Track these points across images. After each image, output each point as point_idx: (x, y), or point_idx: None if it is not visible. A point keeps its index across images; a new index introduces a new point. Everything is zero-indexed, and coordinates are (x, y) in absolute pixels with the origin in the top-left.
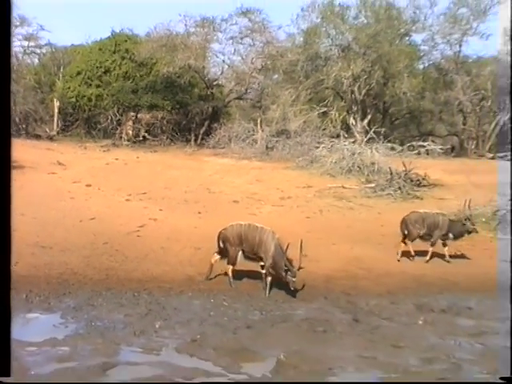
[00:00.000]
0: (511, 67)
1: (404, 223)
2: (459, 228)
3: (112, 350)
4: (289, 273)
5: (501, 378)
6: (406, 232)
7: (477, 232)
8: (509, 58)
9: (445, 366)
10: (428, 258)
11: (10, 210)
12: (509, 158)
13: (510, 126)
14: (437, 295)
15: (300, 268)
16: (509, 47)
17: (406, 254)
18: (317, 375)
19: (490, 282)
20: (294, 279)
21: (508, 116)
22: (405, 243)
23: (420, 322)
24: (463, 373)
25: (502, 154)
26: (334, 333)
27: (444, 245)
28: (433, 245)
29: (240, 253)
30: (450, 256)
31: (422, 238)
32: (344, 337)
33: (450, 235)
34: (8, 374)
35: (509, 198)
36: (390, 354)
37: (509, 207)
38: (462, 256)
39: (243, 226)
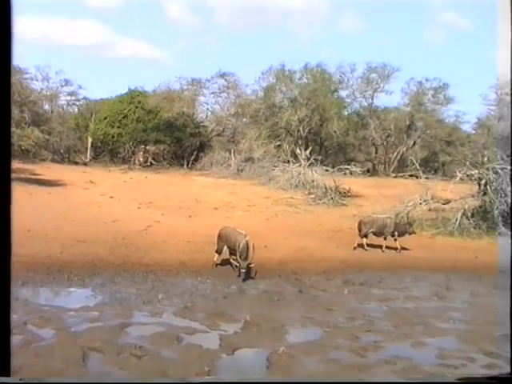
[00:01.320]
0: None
1: (359, 224)
2: (403, 229)
3: (128, 314)
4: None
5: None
6: (359, 230)
7: (415, 233)
8: (408, 109)
9: (362, 322)
10: (383, 248)
11: (9, 207)
12: (406, 176)
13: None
14: (357, 273)
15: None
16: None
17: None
18: (273, 330)
19: (394, 263)
20: (243, 270)
21: (405, 148)
22: (362, 238)
23: (345, 292)
24: (375, 326)
25: (401, 174)
26: (285, 301)
27: (395, 240)
28: (385, 239)
29: (225, 247)
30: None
31: (375, 234)
32: (292, 303)
33: (396, 233)
34: (8, 374)
35: (406, 205)
36: (325, 315)
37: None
38: (403, 248)
39: (229, 228)
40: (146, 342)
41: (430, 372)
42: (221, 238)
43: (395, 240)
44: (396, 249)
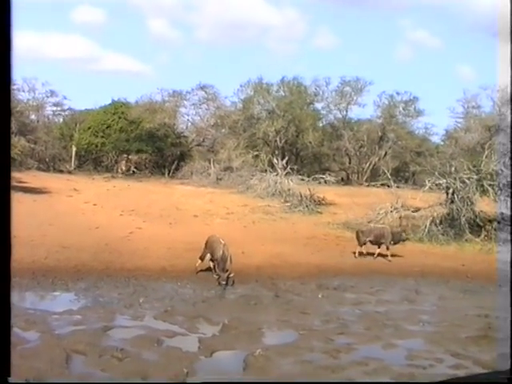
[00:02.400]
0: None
1: (357, 233)
2: (397, 237)
3: (110, 317)
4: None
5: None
6: (358, 239)
7: (408, 239)
8: (380, 121)
9: (336, 325)
10: (376, 255)
11: (9, 210)
12: (378, 185)
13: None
14: (331, 278)
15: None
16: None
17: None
18: (250, 333)
19: (364, 268)
20: (223, 282)
21: (377, 158)
22: (361, 246)
23: (320, 296)
24: (348, 329)
25: (373, 183)
26: (261, 305)
27: (387, 248)
28: (379, 247)
29: (208, 255)
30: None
31: (372, 243)
32: (268, 307)
33: (391, 242)
34: (8, 374)
35: (378, 213)
36: (300, 318)
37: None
38: (394, 255)
39: (214, 237)
40: (127, 345)
41: (400, 372)
42: (206, 245)
43: (387, 248)
44: (386, 256)
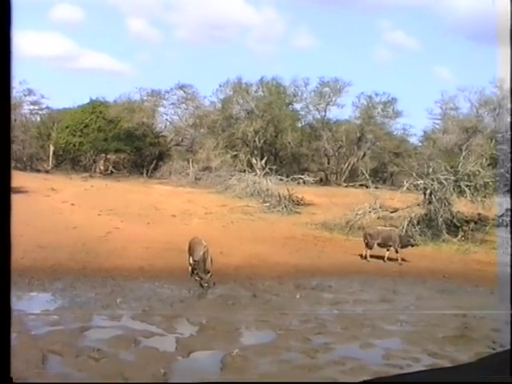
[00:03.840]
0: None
1: (365, 235)
2: (405, 241)
3: (87, 317)
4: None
5: None
6: (366, 241)
7: (417, 245)
8: (358, 122)
9: (313, 325)
10: (385, 258)
11: (10, 210)
12: (357, 185)
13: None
14: (309, 278)
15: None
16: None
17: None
18: (228, 333)
19: (343, 268)
20: (205, 284)
21: (355, 159)
22: (370, 249)
23: (298, 296)
24: (326, 328)
25: (351, 184)
26: (239, 305)
27: (396, 251)
28: (387, 250)
29: (191, 257)
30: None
31: (379, 245)
32: (247, 307)
33: (399, 245)
34: (8, 374)
35: (356, 213)
36: (278, 318)
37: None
38: (403, 260)
39: (196, 239)
40: (104, 345)
41: (377, 372)
42: (189, 248)
43: (396, 251)
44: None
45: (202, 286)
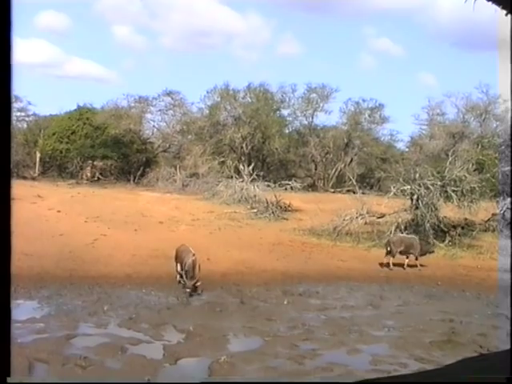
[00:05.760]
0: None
1: (388, 243)
2: (425, 248)
3: (73, 325)
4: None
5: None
6: (388, 249)
7: (433, 252)
8: (345, 127)
9: (301, 331)
10: (405, 265)
11: (10, 214)
12: (344, 191)
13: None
14: (296, 284)
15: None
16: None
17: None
18: (215, 340)
19: (330, 274)
20: (188, 289)
21: (343, 165)
22: (387, 255)
23: (285, 303)
24: (313, 335)
25: (339, 189)
26: (227, 311)
27: (416, 258)
28: (407, 258)
29: (178, 265)
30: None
31: (401, 253)
32: (234, 314)
33: (419, 253)
34: (8, 374)
35: (343, 219)
36: (265, 325)
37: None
38: (421, 265)
39: (183, 246)
40: (90, 353)
41: (364, 377)
42: (176, 256)
43: (416, 258)
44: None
45: (190, 294)
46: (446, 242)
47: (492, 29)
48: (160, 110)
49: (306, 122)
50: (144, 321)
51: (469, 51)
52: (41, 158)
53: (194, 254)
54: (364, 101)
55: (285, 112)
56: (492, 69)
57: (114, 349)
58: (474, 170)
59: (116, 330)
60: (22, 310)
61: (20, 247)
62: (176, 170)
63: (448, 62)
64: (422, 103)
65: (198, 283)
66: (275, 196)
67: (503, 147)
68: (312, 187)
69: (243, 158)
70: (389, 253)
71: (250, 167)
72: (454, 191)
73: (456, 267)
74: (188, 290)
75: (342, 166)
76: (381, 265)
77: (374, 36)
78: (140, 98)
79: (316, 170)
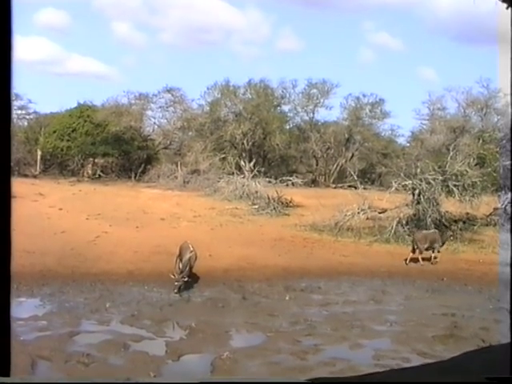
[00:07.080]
0: None
1: (415, 240)
2: (443, 239)
3: (76, 322)
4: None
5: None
6: (415, 246)
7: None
8: (346, 123)
9: (303, 326)
10: (432, 258)
11: (10, 213)
12: (345, 186)
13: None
14: (298, 279)
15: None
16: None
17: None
18: (217, 336)
19: (332, 269)
20: (176, 283)
21: (344, 160)
22: (413, 252)
23: (287, 298)
24: (316, 330)
25: (340, 185)
26: (229, 307)
27: (438, 251)
28: (433, 252)
29: (178, 260)
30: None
31: (427, 249)
32: (236, 310)
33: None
34: (8, 374)
35: (345, 214)
36: (267, 320)
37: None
38: (434, 258)
39: (185, 244)
40: (93, 350)
41: (367, 372)
42: (179, 252)
43: (438, 251)
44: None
45: (179, 288)
46: (448, 236)
47: (492, 22)
48: (160, 107)
49: (306, 118)
50: (146, 317)
51: (469, 45)
52: (42, 156)
53: (191, 251)
54: (364, 96)
55: (285, 108)
56: (492, 63)
57: (116, 346)
58: (475, 165)
59: (118, 326)
60: (25, 307)
61: (22, 245)
62: (177, 166)
63: (448, 56)
64: (422, 98)
65: (186, 279)
66: (276, 192)
67: (504, 141)
68: (313, 183)
69: (244, 154)
70: (415, 250)
71: (251, 163)
72: (455, 186)
73: (458, 261)
74: (176, 283)
75: (343, 161)
76: (405, 260)
77: (373, 30)
78: (140, 94)
79: (317, 165)
